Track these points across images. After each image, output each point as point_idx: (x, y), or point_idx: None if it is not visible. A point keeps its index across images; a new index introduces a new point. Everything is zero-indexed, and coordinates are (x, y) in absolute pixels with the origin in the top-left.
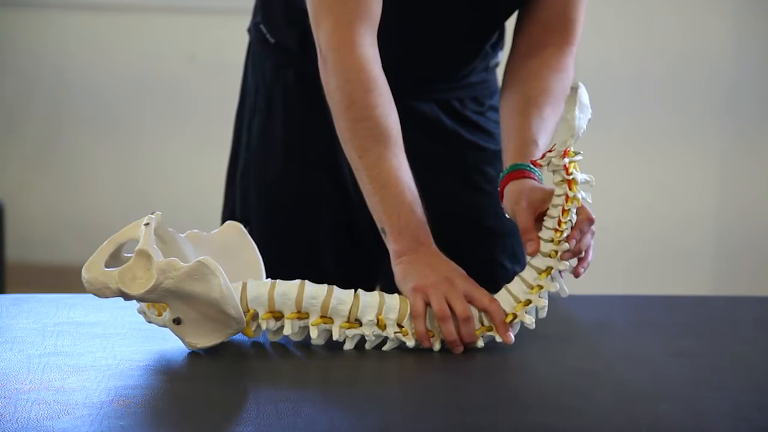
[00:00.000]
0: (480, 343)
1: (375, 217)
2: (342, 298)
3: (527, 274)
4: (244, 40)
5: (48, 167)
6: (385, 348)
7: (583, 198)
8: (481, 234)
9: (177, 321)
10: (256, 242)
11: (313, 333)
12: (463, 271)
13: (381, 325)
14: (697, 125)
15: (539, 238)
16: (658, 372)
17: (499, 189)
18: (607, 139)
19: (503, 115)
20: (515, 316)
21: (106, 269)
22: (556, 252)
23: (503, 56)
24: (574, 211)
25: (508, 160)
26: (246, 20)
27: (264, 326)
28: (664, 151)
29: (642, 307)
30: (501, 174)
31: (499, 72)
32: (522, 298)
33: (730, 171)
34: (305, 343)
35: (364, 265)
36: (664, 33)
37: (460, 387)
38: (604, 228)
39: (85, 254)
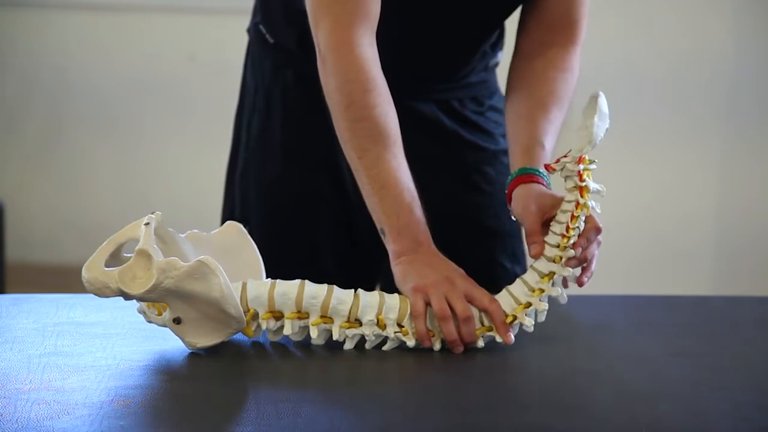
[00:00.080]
0: (480, 343)
1: (374, 217)
2: (342, 297)
3: (529, 276)
4: (243, 40)
5: (48, 167)
6: (385, 348)
7: (592, 207)
8: (480, 234)
9: (177, 320)
10: (255, 242)
11: (313, 333)
12: (462, 271)
13: (381, 324)
14: (697, 125)
15: (545, 242)
16: (658, 372)
17: (506, 191)
18: (607, 139)
19: (509, 117)
20: (515, 318)
21: (106, 269)
22: (561, 258)
23: (503, 56)
24: (583, 218)
25: (515, 163)
26: (246, 20)
27: (264, 326)
28: (664, 151)
29: (642, 307)
30: (509, 177)
31: (499, 72)
32: (523, 300)
33: (730, 171)
34: (305, 343)
35: (363, 265)
36: (664, 33)
37: (460, 387)
38: (604, 228)
39: (85, 254)
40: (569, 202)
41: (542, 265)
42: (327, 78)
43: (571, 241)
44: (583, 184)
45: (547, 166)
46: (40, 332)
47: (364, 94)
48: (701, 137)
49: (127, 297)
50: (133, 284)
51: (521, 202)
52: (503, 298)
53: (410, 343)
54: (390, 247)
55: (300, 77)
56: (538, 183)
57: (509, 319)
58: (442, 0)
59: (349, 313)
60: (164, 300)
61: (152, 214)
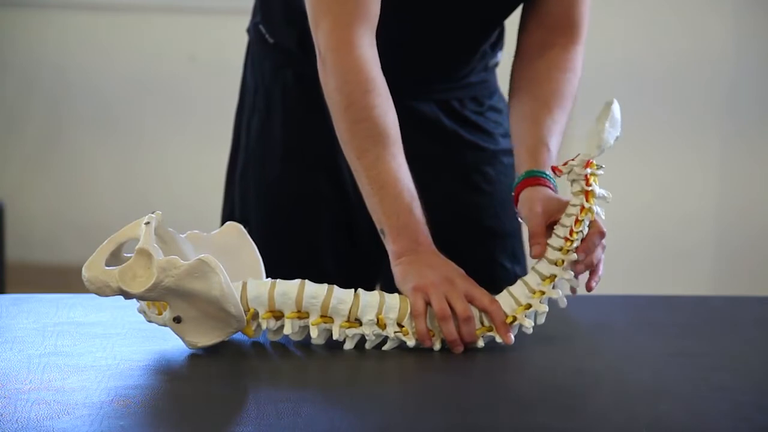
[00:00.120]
0: (480, 343)
1: (374, 218)
2: (342, 297)
3: (531, 278)
4: (243, 40)
5: (48, 167)
6: (385, 348)
7: (597, 213)
8: (480, 234)
9: (177, 319)
10: (255, 242)
11: (313, 332)
12: (462, 271)
13: (381, 324)
14: (697, 125)
15: (548, 244)
16: (658, 372)
17: (513, 193)
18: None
19: (513, 118)
20: (515, 319)
21: (107, 268)
22: (563, 261)
23: (503, 56)
24: (587, 223)
25: (522, 165)
26: (246, 20)
27: (264, 326)
28: (664, 151)
29: (642, 307)
30: (516, 179)
31: (499, 72)
32: (523, 302)
33: (730, 171)
34: (305, 343)
35: (363, 265)
36: (664, 33)
37: (460, 387)
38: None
39: (85, 254)
40: (574, 206)
41: (544, 267)
42: (327, 78)
43: (574, 245)
44: (590, 188)
45: (554, 168)
46: (40, 332)
47: (363, 94)
48: (701, 137)
49: (128, 296)
50: (133, 283)
51: (527, 205)
52: (504, 298)
53: (410, 342)
54: (390, 247)
55: (300, 77)
56: (546, 186)
57: (509, 320)
58: (442, 1)
59: (349, 312)
60: (164, 299)
61: (152, 213)
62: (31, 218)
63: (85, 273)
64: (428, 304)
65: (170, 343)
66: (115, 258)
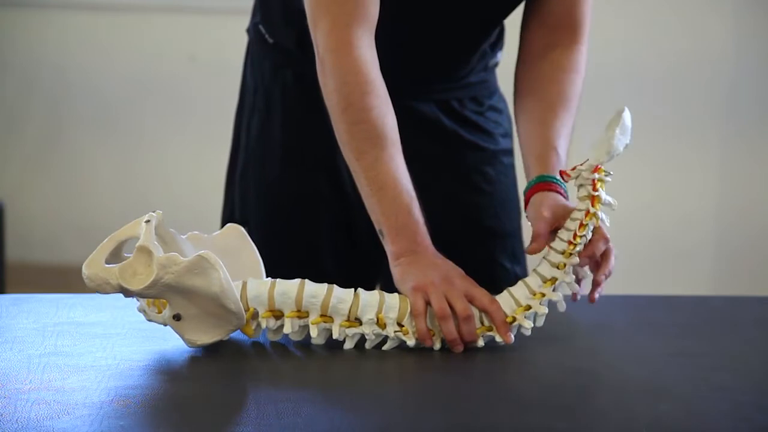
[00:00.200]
0: (480, 343)
1: (373, 218)
2: (342, 296)
3: (532, 280)
4: (243, 40)
5: (48, 167)
6: (385, 347)
7: (601, 219)
8: (480, 234)
9: (177, 317)
10: (255, 243)
11: (313, 332)
12: (462, 271)
13: (381, 323)
14: (697, 125)
15: (551, 247)
16: (658, 372)
17: (525, 197)
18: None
19: (520, 121)
20: (514, 319)
21: (107, 265)
22: (565, 264)
23: (502, 56)
24: (591, 228)
25: (532, 169)
26: (246, 20)
27: (264, 325)
28: (664, 151)
29: (642, 307)
30: (528, 183)
31: (499, 72)
32: (523, 303)
33: (730, 171)
34: (305, 343)
35: (363, 265)
36: (664, 33)
37: (460, 387)
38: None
39: (85, 254)
40: (580, 210)
41: (546, 269)
42: (325, 79)
43: (577, 249)
44: (596, 193)
45: (562, 173)
46: (40, 332)
47: (362, 96)
48: (701, 137)
49: (128, 293)
50: (133, 280)
51: (536, 208)
52: (504, 299)
53: (410, 342)
54: (389, 248)
55: (299, 77)
56: (557, 192)
57: (509, 320)
58: (442, 2)
59: (349, 312)
60: (164, 296)
61: (153, 212)
62: (31, 218)
63: (85, 270)
64: (428, 303)
65: (170, 343)
66: (115, 257)
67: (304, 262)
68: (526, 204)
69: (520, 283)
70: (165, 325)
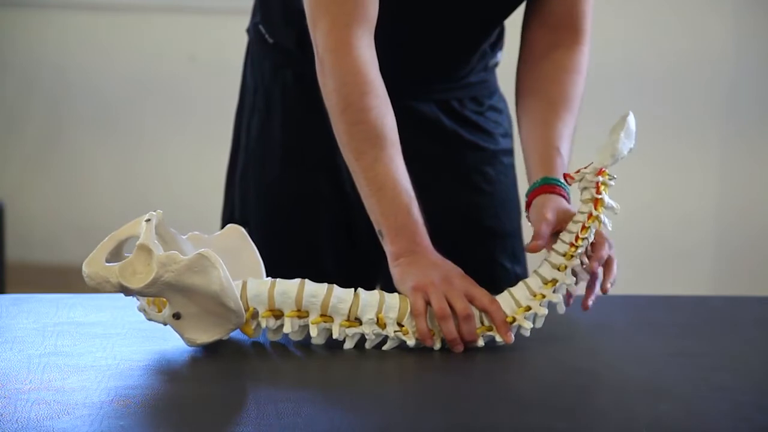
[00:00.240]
0: (480, 343)
1: (372, 219)
2: (342, 296)
3: (533, 281)
4: (243, 40)
5: (48, 167)
6: (385, 347)
7: (603, 223)
8: (481, 234)
9: (177, 316)
10: (255, 243)
11: (313, 331)
12: (461, 271)
13: (381, 323)
14: (697, 125)
15: (552, 249)
16: (658, 372)
17: (527, 198)
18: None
19: (522, 122)
20: (514, 320)
21: (107, 264)
22: (566, 266)
23: (503, 56)
24: (594, 231)
25: (535, 171)
26: (246, 20)
27: (264, 324)
28: (664, 151)
29: (642, 307)
30: (531, 185)
31: (499, 72)
32: (523, 303)
33: (730, 171)
34: (305, 343)
35: (363, 265)
36: (664, 33)
37: (460, 387)
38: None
39: (85, 254)
40: (582, 213)
41: (547, 271)
42: (324, 80)
43: (579, 251)
44: (599, 196)
45: (566, 176)
46: (40, 332)
47: (361, 96)
48: (701, 137)
49: (128, 292)
50: (133, 279)
51: (538, 210)
52: (504, 299)
53: (410, 342)
54: (388, 248)
55: (299, 77)
56: (560, 195)
57: (509, 320)
58: (442, 2)
59: (349, 311)
60: (164, 294)
61: (153, 212)
62: (31, 218)
63: (85, 269)
64: (428, 303)
65: (170, 343)
66: (115, 257)
67: (304, 262)
68: (528, 205)
69: (520, 283)
70: (165, 324)
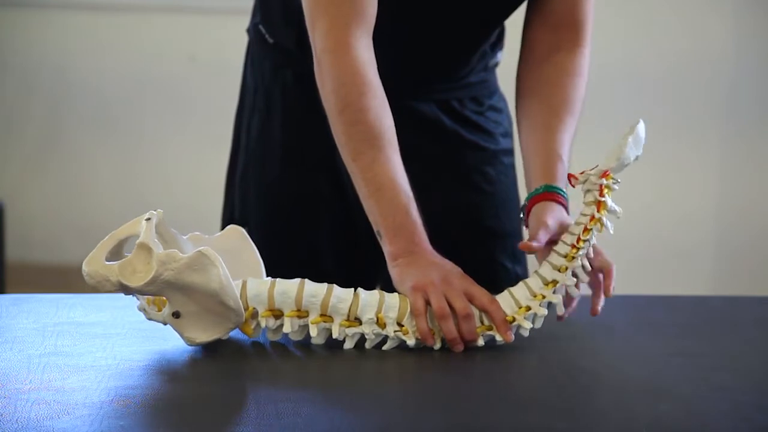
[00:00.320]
0: (480, 342)
1: (371, 219)
2: (342, 296)
3: (533, 281)
4: (243, 40)
5: (48, 167)
6: (385, 347)
7: (605, 227)
8: (481, 234)
9: (176, 315)
10: (255, 243)
11: (313, 331)
12: (460, 270)
13: (381, 323)
14: (697, 125)
15: (553, 250)
16: (658, 372)
17: (527, 203)
18: (606, 139)
19: (522, 124)
20: (514, 319)
21: (107, 263)
22: (567, 268)
23: (503, 56)
24: (595, 233)
25: (536, 177)
26: (246, 20)
27: (264, 324)
28: (664, 151)
29: (642, 307)
30: (534, 190)
31: (499, 72)
32: (523, 303)
33: (730, 171)
34: (305, 343)
35: (363, 265)
36: (664, 33)
37: (460, 387)
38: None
39: (84, 254)
40: (585, 215)
41: (547, 271)
42: (322, 80)
43: (580, 253)
44: (602, 199)
45: (570, 176)
46: (40, 332)
47: (359, 97)
48: (701, 137)
49: (127, 291)
50: (133, 277)
51: (538, 216)
52: (504, 299)
53: (410, 342)
54: (386, 248)
55: (300, 77)
56: (560, 203)
57: (508, 320)
58: (442, 2)
59: (349, 311)
60: (164, 293)
61: (153, 211)
62: (31, 218)
63: (85, 268)
64: (428, 303)
65: (170, 343)
66: (115, 256)
67: (304, 262)
68: (528, 210)
69: (520, 283)
70: (165, 323)
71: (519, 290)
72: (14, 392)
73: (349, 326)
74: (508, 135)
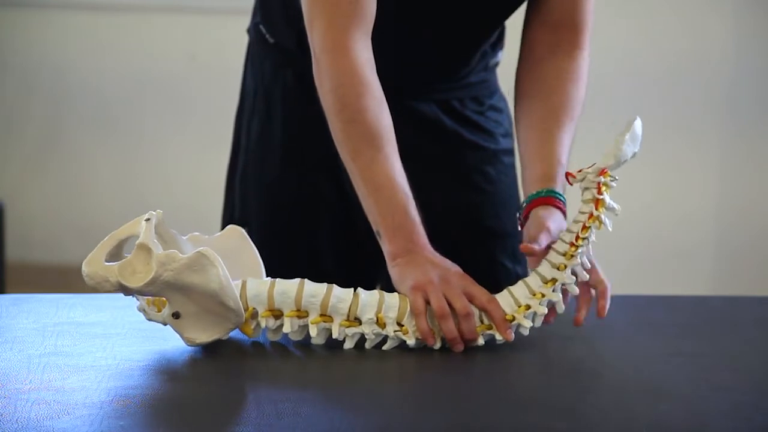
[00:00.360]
0: (480, 341)
1: (370, 219)
2: (341, 296)
3: (532, 280)
4: (243, 40)
5: (48, 167)
6: (385, 347)
7: (604, 223)
8: (481, 234)
9: (176, 315)
10: (255, 243)
11: (313, 331)
12: (460, 269)
13: (380, 323)
14: (696, 125)
15: (552, 248)
16: (658, 372)
17: (525, 206)
18: (606, 138)
19: (521, 126)
20: (514, 318)
21: (106, 264)
22: (565, 266)
23: (503, 56)
24: (594, 231)
25: (535, 181)
26: (246, 20)
27: (263, 324)
28: (664, 151)
29: (642, 307)
30: (533, 194)
31: (499, 72)
32: (523, 302)
33: (730, 171)
34: (305, 343)
35: (363, 265)
36: (664, 33)
37: (460, 387)
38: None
39: (84, 254)
40: (583, 213)
41: (546, 270)
42: (321, 80)
43: (579, 251)
44: (600, 197)
45: (568, 174)
46: (40, 332)
47: (357, 97)
48: (701, 137)
49: (127, 291)
50: (132, 278)
51: (538, 220)
52: (504, 298)
53: (410, 342)
54: (385, 248)
55: (300, 77)
56: (559, 208)
57: (508, 319)
58: (441, 4)
59: (349, 311)
60: (163, 293)
61: (153, 212)
62: (31, 218)
63: (85, 268)
64: (427, 302)
65: (170, 343)
66: (115, 257)
67: (304, 262)
68: (527, 212)
69: (520, 282)
70: (165, 324)
71: (518, 289)
72: (14, 392)
73: (349, 326)
74: (508, 135)
